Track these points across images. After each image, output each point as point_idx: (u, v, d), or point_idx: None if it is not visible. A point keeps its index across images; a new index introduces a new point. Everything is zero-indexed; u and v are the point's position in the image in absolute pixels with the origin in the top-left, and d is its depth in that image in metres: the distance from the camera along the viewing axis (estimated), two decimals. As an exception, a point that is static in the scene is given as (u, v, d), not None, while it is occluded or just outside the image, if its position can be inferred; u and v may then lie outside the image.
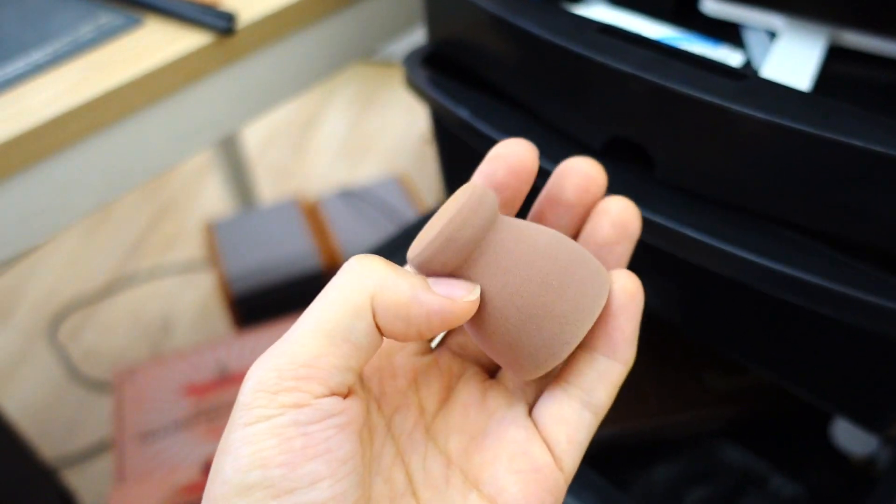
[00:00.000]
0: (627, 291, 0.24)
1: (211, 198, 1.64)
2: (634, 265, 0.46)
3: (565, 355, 0.22)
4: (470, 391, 0.25)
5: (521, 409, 0.24)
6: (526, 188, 0.25)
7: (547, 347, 0.22)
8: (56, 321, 1.36)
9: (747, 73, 0.35)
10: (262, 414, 0.19)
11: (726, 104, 0.32)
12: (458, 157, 0.53)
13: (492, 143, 0.43)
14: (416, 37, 0.60)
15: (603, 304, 0.23)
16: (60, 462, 1.13)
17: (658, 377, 0.54)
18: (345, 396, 0.20)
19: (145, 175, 0.51)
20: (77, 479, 1.10)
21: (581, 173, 0.25)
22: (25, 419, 1.20)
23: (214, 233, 1.25)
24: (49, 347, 1.31)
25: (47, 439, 1.17)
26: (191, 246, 1.51)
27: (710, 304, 0.44)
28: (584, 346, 0.24)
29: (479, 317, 0.22)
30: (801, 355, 0.42)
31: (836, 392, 0.41)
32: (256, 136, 1.80)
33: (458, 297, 0.21)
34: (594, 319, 0.23)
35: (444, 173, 0.56)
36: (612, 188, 0.38)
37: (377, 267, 0.21)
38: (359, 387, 0.21)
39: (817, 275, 0.34)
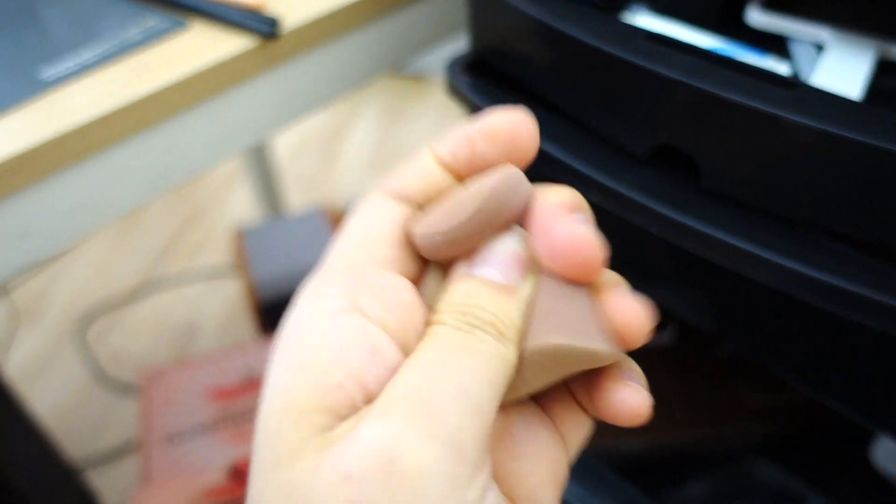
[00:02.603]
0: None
1: (240, 205, 1.65)
2: (672, 274, 0.46)
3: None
4: None
5: (533, 403, 0.22)
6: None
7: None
8: (84, 323, 1.38)
9: (798, 81, 0.34)
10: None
11: (778, 112, 0.32)
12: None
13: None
14: (449, 49, 0.60)
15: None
16: (84, 463, 1.13)
17: (692, 391, 0.54)
18: None
19: (185, 175, 0.52)
20: (100, 480, 1.11)
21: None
22: (52, 419, 1.21)
23: (242, 239, 1.26)
24: (77, 349, 1.33)
25: (72, 440, 1.18)
26: (219, 252, 1.52)
27: (752, 314, 0.43)
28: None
29: None
30: (845, 369, 0.41)
31: (879, 409, 0.40)
32: (286, 145, 1.81)
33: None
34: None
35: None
36: (657, 196, 0.38)
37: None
38: None
39: (866, 286, 0.33)
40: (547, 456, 0.21)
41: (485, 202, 0.19)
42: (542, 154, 0.42)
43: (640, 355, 0.60)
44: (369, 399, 0.17)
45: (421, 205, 0.21)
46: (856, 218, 0.33)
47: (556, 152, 0.41)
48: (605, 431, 0.52)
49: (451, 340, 0.18)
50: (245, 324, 1.36)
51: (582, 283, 0.20)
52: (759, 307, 0.41)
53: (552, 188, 0.21)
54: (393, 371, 0.18)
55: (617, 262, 0.49)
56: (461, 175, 0.21)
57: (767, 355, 0.44)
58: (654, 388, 0.56)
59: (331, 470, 0.15)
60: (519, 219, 0.20)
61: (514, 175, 0.20)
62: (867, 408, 0.41)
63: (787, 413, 0.53)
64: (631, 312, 0.20)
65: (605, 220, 0.43)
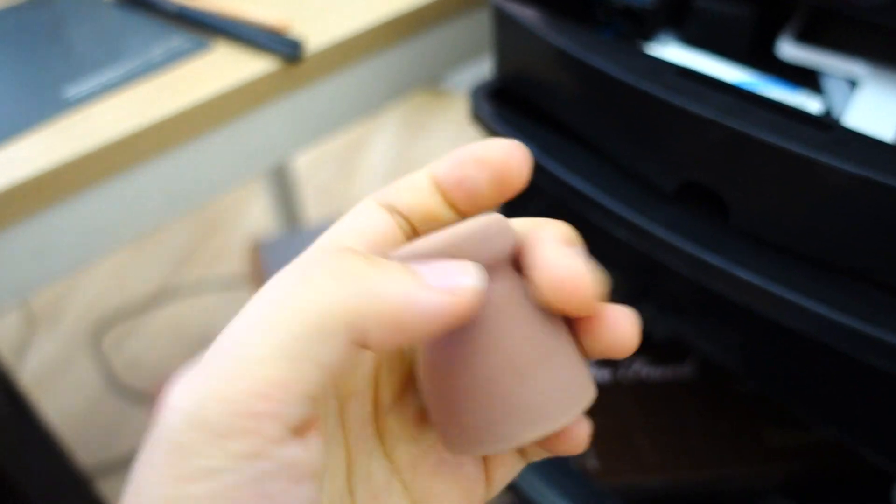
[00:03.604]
0: None
1: (258, 216, 1.65)
2: (698, 310, 0.45)
3: (504, 450, 0.19)
4: None
5: None
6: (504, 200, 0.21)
7: (488, 434, 0.19)
8: (100, 331, 1.38)
9: (833, 123, 0.33)
10: (206, 466, 0.14)
11: (813, 155, 0.31)
12: (520, 192, 0.52)
13: (557, 181, 0.42)
14: (473, 64, 0.60)
15: (571, 420, 0.19)
16: (95, 471, 1.13)
17: (713, 428, 0.52)
18: (304, 433, 0.16)
19: (205, 196, 0.52)
20: (110, 489, 1.10)
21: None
22: (65, 426, 1.21)
23: (259, 251, 1.25)
24: (92, 356, 1.33)
25: (84, 447, 1.18)
26: (235, 263, 1.52)
27: (777, 355, 0.42)
28: None
29: (432, 366, 0.20)
30: (871, 414, 0.40)
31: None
32: (305, 157, 1.81)
33: (462, 286, 0.17)
34: (554, 430, 0.19)
35: (503, 208, 0.55)
36: (684, 233, 0.37)
37: (356, 266, 0.17)
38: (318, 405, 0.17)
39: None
40: (464, 484, 0.21)
41: (457, 246, 0.19)
42: (567, 188, 0.41)
43: (660, 390, 0.58)
44: None
45: (409, 220, 0.21)
46: (889, 264, 0.32)
47: (582, 186, 0.40)
48: (626, 469, 0.51)
49: None
50: (259, 335, 1.35)
51: (575, 316, 0.19)
52: (785, 349, 0.40)
53: (547, 223, 0.20)
54: None
55: (641, 295, 0.48)
56: (453, 198, 0.21)
57: (793, 397, 0.43)
58: (675, 424, 0.54)
59: None
60: (506, 262, 0.20)
61: (494, 222, 0.19)
62: (892, 453, 0.40)
63: (809, 452, 0.52)
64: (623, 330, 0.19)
65: (631, 252, 0.42)
